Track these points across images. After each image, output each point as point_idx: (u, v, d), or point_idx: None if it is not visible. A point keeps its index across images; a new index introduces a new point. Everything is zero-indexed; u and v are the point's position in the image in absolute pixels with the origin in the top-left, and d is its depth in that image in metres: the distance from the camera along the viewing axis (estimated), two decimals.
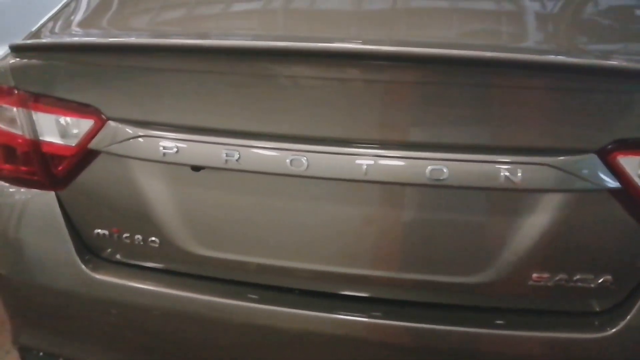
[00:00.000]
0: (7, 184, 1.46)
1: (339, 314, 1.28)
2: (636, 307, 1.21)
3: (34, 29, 1.46)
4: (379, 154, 1.16)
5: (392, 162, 1.16)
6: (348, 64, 1.15)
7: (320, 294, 1.33)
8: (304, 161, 1.18)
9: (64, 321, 1.49)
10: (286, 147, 1.19)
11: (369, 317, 1.27)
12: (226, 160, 1.22)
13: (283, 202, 1.27)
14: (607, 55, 1.27)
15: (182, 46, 1.24)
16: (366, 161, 1.16)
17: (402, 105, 1.16)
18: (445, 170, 1.14)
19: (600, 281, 1.21)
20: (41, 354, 1.56)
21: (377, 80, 1.15)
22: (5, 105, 1.38)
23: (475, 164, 1.14)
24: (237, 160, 1.21)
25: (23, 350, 1.61)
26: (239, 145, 1.21)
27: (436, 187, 1.17)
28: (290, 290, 1.34)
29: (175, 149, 1.24)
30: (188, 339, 1.39)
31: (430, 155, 1.15)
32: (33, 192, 1.42)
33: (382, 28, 1.35)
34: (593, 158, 1.13)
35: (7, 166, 1.43)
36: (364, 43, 1.17)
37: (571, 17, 1.42)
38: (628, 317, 1.21)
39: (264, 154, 1.21)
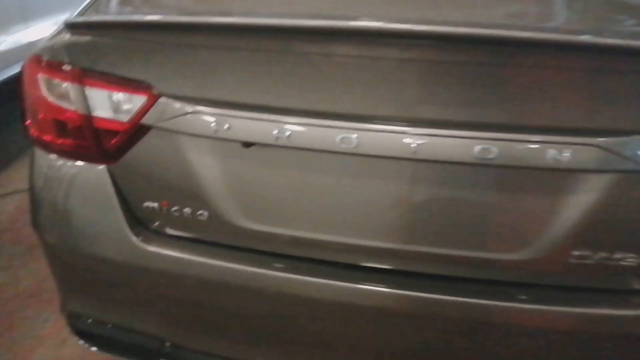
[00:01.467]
0: (59, 157, 1.50)
1: (388, 288, 1.32)
2: None
3: (84, 5, 1.49)
4: (428, 133, 1.19)
5: (441, 141, 1.19)
6: (397, 44, 1.18)
7: (366, 268, 1.37)
8: (354, 139, 1.21)
9: (113, 290, 1.55)
10: (337, 125, 1.22)
11: (419, 291, 1.31)
12: (277, 137, 1.25)
13: (331, 178, 1.31)
14: None
15: (234, 25, 1.27)
16: (415, 140, 1.19)
17: (451, 84, 1.19)
18: (493, 150, 1.17)
19: None
20: (90, 320, 1.62)
21: (426, 60, 1.17)
22: (59, 81, 1.41)
23: (523, 143, 1.17)
24: (287, 137, 1.25)
25: (71, 317, 1.67)
26: (291, 123, 1.25)
27: (484, 166, 1.20)
28: (334, 264, 1.38)
29: (227, 126, 1.28)
30: (232, 308, 1.44)
31: (479, 135, 1.17)
32: (85, 166, 1.47)
33: (429, 8, 1.37)
34: (638, 139, 1.15)
35: (60, 140, 1.47)
36: (413, 23, 1.19)
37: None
38: None
39: (314, 131, 1.24)
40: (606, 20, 1.36)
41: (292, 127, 1.25)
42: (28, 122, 1.53)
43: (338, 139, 1.22)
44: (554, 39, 1.15)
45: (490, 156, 1.17)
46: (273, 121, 1.26)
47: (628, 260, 1.24)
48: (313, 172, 1.31)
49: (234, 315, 1.47)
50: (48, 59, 1.43)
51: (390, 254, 1.34)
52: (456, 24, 1.18)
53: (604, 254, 1.24)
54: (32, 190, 1.58)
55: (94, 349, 1.71)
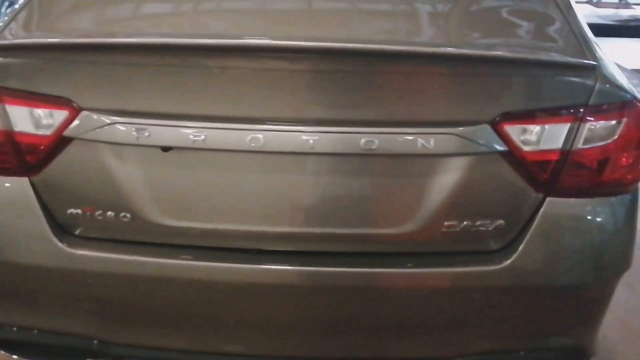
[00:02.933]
0: None
1: (296, 266, 1.55)
2: (522, 244, 1.55)
3: (1, 25, 1.60)
4: (323, 131, 1.43)
5: (333, 136, 1.44)
6: (287, 58, 1.42)
7: (275, 252, 1.58)
8: (260, 138, 1.43)
9: (38, 295, 1.64)
10: (245, 127, 1.44)
11: (318, 266, 1.55)
12: (193, 141, 1.44)
13: (241, 175, 1.51)
14: (492, 47, 1.62)
15: (144, 44, 1.46)
16: (312, 136, 1.43)
17: (337, 90, 1.45)
18: (375, 141, 1.43)
19: (495, 225, 1.55)
20: (14, 328, 1.70)
21: (314, 70, 1.44)
22: None
23: (399, 135, 1.44)
24: (203, 140, 1.44)
25: None
26: (205, 127, 1.44)
27: (368, 155, 1.46)
28: (247, 250, 1.58)
29: (146, 133, 1.45)
30: (155, 299, 1.59)
31: (363, 130, 1.43)
32: (7, 179, 1.56)
33: (310, 26, 1.64)
34: (486, 127, 1.46)
35: None
36: (299, 40, 1.43)
37: (463, 16, 1.77)
38: (517, 252, 1.55)
39: (226, 134, 1.44)
40: (462, 32, 1.69)
41: (207, 131, 1.44)
42: None
43: (247, 139, 1.43)
44: (419, 51, 1.45)
45: (373, 147, 1.43)
46: (189, 127, 1.44)
47: (485, 225, 1.55)
48: (225, 170, 1.51)
49: (158, 306, 1.62)
50: None
51: (294, 237, 1.56)
52: (335, 40, 1.44)
53: (467, 222, 1.54)
54: None
55: (15, 357, 1.77)
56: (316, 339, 1.66)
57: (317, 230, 1.55)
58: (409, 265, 1.57)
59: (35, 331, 1.69)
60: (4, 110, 1.50)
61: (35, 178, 1.55)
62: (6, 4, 5.46)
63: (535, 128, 1.49)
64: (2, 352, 1.77)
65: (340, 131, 1.44)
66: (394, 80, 1.46)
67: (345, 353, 1.68)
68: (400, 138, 1.44)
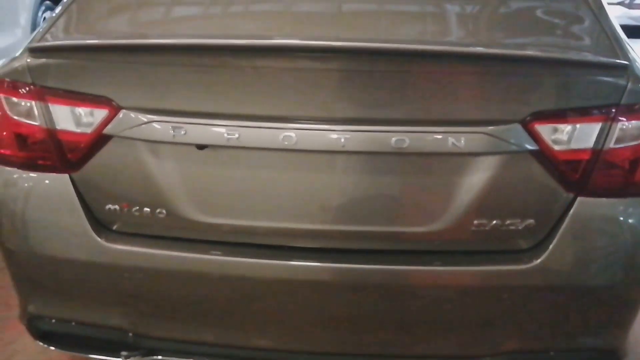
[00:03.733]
0: (21, 170, 1.64)
1: (324, 264, 1.57)
2: (553, 243, 1.56)
3: (41, 30, 1.66)
4: (354, 129, 1.46)
5: (364, 135, 1.46)
6: (320, 57, 1.45)
7: (304, 249, 1.61)
8: (293, 137, 1.46)
9: (77, 288, 1.70)
10: (278, 126, 1.47)
11: (351, 264, 1.57)
12: (228, 139, 1.48)
13: (274, 173, 1.55)
14: (523, 46, 1.63)
15: (182, 45, 1.51)
16: (344, 135, 1.46)
17: (368, 89, 1.47)
18: (406, 140, 1.45)
19: (525, 224, 1.55)
20: (53, 320, 1.76)
21: (346, 70, 1.46)
22: (23, 100, 1.57)
23: (429, 134, 1.46)
24: (237, 138, 1.48)
25: (33, 320, 1.79)
26: (239, 126, 1.48)
27: (399, 154, 1.48)
28: (280, 247, 1.61)
29: (183, 132, 1.49)
30: (190, 294, 1.64)
31: (394, 129, 1.46)
32: (48, 176, 1.62)
33: (341, 26, 1.66)
34: (517, 127, 1.47)
35: (23, 153, 1.62)
36: (331, 40, 1.46)
37: (495, 15, 1.78)
38: (547, 252, 1.56)
39: (260, 132, 1.48)
40: (494, 32, 1.70)
41: (240, 130, 1.48)
42: None
43: (280, 137, 1.46)
44: (450, 50, 1.47)
45: (404, 146, 1.45)
46: (223, 126, 1.48)
47: (516, 225, 1.55)
48: (258, 168, 1.54)
49: (191, 301, 1.66)
50: (11, 80, 1.58)
51: (324, 235, 1.59)
52: (366, 40, 1.47)
53: (497, 222, 1.55)
54: None
55: (53, 348, 1.83)
56: (344, 336, 1.68)
57: (348, 227, 1.57)
58: (438, 263, 1.58)
59: (73, 323, 1.75)
60: (47, 109, 1.56)
61: (75, 175, 1.60)
62: (42, 8, 5.62)
63: (566, 127, 1.49)
64: (41, 343, 1.84)
65: (371, 130, 1.46)
66: (425, 80, 1.48)
67: (373, 350, 1.70)
68: (430, 137, 1.46)
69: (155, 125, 1.50)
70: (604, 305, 1.66)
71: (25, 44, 1.65)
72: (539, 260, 1.55)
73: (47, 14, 5.41)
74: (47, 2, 5.68)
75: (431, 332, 1.67)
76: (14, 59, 1.63)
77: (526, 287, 1.59)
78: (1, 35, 4.73)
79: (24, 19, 5.15)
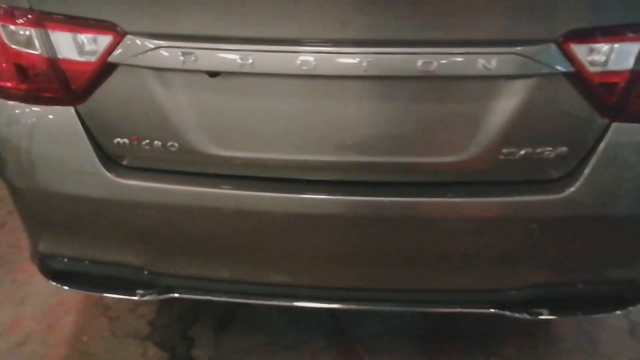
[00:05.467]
0: (23, 103, 1.56)
1: (352, 196, 1.50)
2: (585, 172, 1.48)
3: None
4: (377, 51, 1.36)
5: (388, 58, 1.36)
6: None
7: (326, 182, 1.54)
8: (312, 61, 1.36)
9: (89, 225, 1.64)
10: (295, 50, 1.37)
11: (371, 196, 1.50)
12: (241, 65, 1.38)
13: (291, 102, 1.45)
14: None
15: None
16: (366, 58, 1.35)
17: (395, 7, 1.35)
18: (434, 62, 1.35)
19: (557, 152, 1.47)
20: (65, 259, 1.71)
21: None
22: (21, 27, 1.47)
23: (458, 55, 1.36)
24: (251, 64, 1.38)
25: (45, 259, 1.75)
26: (253, 50, 1.38)
27: (425, 78, 1.38)
28: (297, 181, 1.54)
29: (193, 57, 1.39)
30: (204, 229, 1.58)
31: (420, 50, 1.35)
32: (52, 109, 1.54)
33: None
34: (551, 47, 1.36)
35: (24, 85, 1.53)
36: None
37: None
38: (579, 181, 1.48)
39: (275, 56, 1.38)
40: None
41: (255, 55, 1.38)
42: None
43: (297, 62, 1.37)
44: None
45: (431, 68, 1.35)
46: (236, 50, 1.38)
47: (547, 153, 1.47)
48: (273, 96, 1.45)
49: (205, 237, 1.61)
50: (8, 6, 1.48)
51: (346, 167, 1.51)
52: None
53: (527, 149, 1.46)
54: None
55: (66, 288, 1.79)
56: (366, 271, 1.63)
57: (369, 159, 1.50)
58: (465, 195, 1.51)
59: (86, 262, 1.70)
60: (47, 36, 1.46)
61: (80, 107, 1.52)
62: None
63: (603, 47, 1.39)
64: (53, 283, 1.80)
65: (396, 52, 1.36)
66: None
67: (395, 284, 1.66)
68: (459, 58, 1.36)
69: (164, 51, 1.40)
70: (636, 236, 1.60)
71: None
72: (570, 190, 1.48)
73: None
74: None
75: (457, 266, 1.61)
76: None
77: (556, 218, 1.53)
78: None
79: None
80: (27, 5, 1.45)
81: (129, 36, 1.42)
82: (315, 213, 1.52)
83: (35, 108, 1.55)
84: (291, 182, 1.54)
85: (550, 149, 1.47)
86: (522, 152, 1.47)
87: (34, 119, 1.56)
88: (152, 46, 1.41)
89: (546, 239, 1.56)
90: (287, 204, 1.52)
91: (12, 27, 1.48)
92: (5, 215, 2.98)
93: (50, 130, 1.56)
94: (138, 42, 1.41)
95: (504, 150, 1.46)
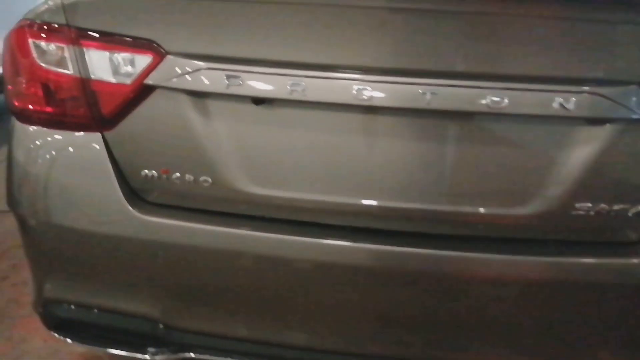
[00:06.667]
0: (46, 127, 1.43)
1: (400, 248, 1.32)
2: None
3: None
4: (442, 83, 1.22)
5: (455, 91, 1.23)
6: None
7: (376, 231, 1.36)
8: (369, 90, 1.23)
9: (103, 267, 1.46)
10: (352, 77, 1.24)
11: (426, 248, 1.32)
12: (291, 91, 1.25)
13: (345, 136, 1.31)
14: None
15: None
16: (430, 90, 1.22)
17: (466, 36, 1.24)
18: (505, 99, 1.21)
19: (637, 211, 1.30)
20: (72, 307, 1.52)
21: (440, 12, 1.22)
22: (55, 44, 1.36)
23: (532, 92, 1.22)
24: (302, 90, 1.25)
25: (50, 307, 1.55)
26: (305, 76, 1.25)
27: (493, 115, 1.24)
28: (350, 228, 1.37)
29: (239, 81, 1.27)
30: (236, 279, 1.39)
31: (490, 85, 1.22)
32: (77, 135, 1.40)
33: None
34: (636, 89, 1.23)
35: (50, 108, 1.41)
36: None
37: None
38: None
39: (329, 84, 1.25)
40: None
41: (306, 81, 1.25)
42: (9, 93, 1.46)
43: (353, 91, 1.23)
44: None
45: (502, 105, 1.22)
46: (287, 75, 1.26)
47: (626, 210, 1.30)
48: (325, 129, 1.31)
49: (236, 287, 1.41)
50: (41, 22, 1.38)
51: (400, 214, 1.34)
52: None
53: (604, 206, 1.30)
54: (10, 165, 1.49)
55: (70, 341, 1.59)
56: (421, 334, 1.42)
57: (428, 207, 1.33)
58: (528, 253, 1.33)
59: (95, 310, 1.50)
60: (82, 55, 1.35)
61: (108, 134, 1.38)
62: None
63: None
64: (56, 335, 1.59)
65: (463, 85, 1.23)
66: (530, 27, 1.24)
67: (448, 355, 1.44)
68: (533, 96, 1.22)
69: (207, 73, 1.28)
70: None
71: None
72: None
73: None
74: None
75: (516, 335, 1.40)
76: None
77: (633, 286, 1.33)
78: None
79: None
80: (63, 21, 1.35)
81: (170, 56, 1.30)
82: (363, 265, 1.34)
83: (58, 133, 1.42)
84: (337, 230, 1.36)
85: (629, 206, 1.30)
86: (597, 208, 1.30)
87: (55, 146, 1.43)
88: (195, 68, 1.29)
89: (620, 309, 1.36)
90: (332, 254, 1.34)
91: (44, 43, 1.38)
92: (9, 268, 2.80)
93: (72, 158, 1.42)
94: (179, 63, 1.30)
95: (576, 205, 1.30)
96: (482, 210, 1.33)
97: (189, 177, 1.37)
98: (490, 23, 1.24)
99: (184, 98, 1.32)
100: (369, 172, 1.32)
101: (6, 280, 2.70)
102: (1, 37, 1.58)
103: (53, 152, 1.43)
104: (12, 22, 1.45)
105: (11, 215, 3.13)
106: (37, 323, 2.34)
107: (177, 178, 1.37)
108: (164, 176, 1.38)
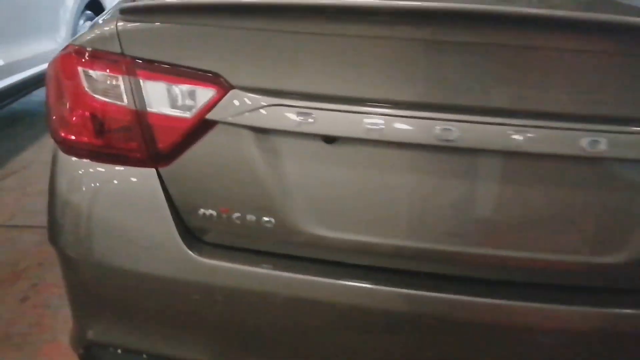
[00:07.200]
0: (95, 161, 1.34)
1: (486, 299, 1.22)
2: None
3: None
4: (539, 125, 1.13)
5: (551, 133, 1.13)
6: (513, 29, 1.12)
7: (461, 279, 1.26)
8: (454, 131, 1.14)
9: (154, 311, 1.37)
10: (436, 117, 1.15)
11: (517, 300, 1.23)
12: (368, 130, 1.16)
13: (424, 178, 1.22)
14: None
15: (320, 6, 1.17)
16: (524, 132, 1.13)
17: (552, 74, 1.15)
18: (602, 141, 1.12)
19: None
20: (118, 351, 1.42)
21: (539, 48, 1.13)
22: (109, 73, 1.27)
23: (633, 134, 1.13)
24: (379, 129, 1.16)
25: (92, 349, 1.46)
26: (383, 114, 1.16)
27: (589, 159, 1.15)
28: (432, 275, 1.27)
29: (311, 119, 1.18)
30: (304, 329, 1.30)
31: (588, 127, 1.13)
32: (130, 170, 1.31)
33: None
34: None
35: (101, 142, 1.31)
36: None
37: None
38: None
39: (410, 122, 1.16)
40: None
41: (385, 119, 1.16)
42: (54, 122, 1.36)
43: (437, 130, 1.14)
44: None
45: (600, 148, 1.13)
46: (365, 113, 1.16)
47: None
48: (403, 170, 1.22)
49: (305, 338, 1.32)
50: (94, 49, 1.28)
51: (486, 262, 1.24)
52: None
53: None
54: (54, 200, 1.40)
55: None
56: None
57: (519, 254, 1.23)
58: (623, 304, 1.23)
59: (144, 355, 1.41)
60: (138, 86, 1.26)
61: (164, 169, 1.29)
62: (84, 18, 5.44)
63: None
64: None
65: (558, 127, 1.13)
66: (630, 65, 1.15)
67: None
68: (633, 138, 1.13)
69: (276, 109, 1.19)
70: None
71: None
72: None
73: (88, 24, 5.28)
74: (88, 12, 5.52)
75: None
76: (99, 24, 1.33)
77: None
78: (44, 40, 4.56)
79: (65, 26, 5.02)
80: (118, 50, 1.26)
81: (235, 90, 1.21)
82: (457, 319, 1.24)
83: (108, 167, 1.33)
84: (419, 277, 1.27)
85: None
86: None
87: (104, 180, 1.34)
88: (262, 103, 1.19)
89: None
90: (413, 304, 1.24)
91: (97, 73, 1.28)
92: (29, 288, 2.70)
93: (123, 194, 1.33)
94: (246, 97, 1.20)
95: None
96: (571, 258, 1.24)
97: (250, 217, 1.27)
98: (593, 60, 1.14)
99: (248, 134, 1.23)
100: (454, 215, 1.22)
101: (27, 302, 2.60)
102: None
103: (102, 187, 1.34)
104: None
105: (30, 230, 3.05)
106: (63, 349, 2.27)
107: (238, 218, 1.28)
108: (224, 216, 1.29)
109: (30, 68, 4.39)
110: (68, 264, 1.41)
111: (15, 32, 4.30)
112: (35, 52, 4.46)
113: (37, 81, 4.47)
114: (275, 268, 1.28)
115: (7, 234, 3.09)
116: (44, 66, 4.57)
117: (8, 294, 2.62)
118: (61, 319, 2.45)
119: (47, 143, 4.53)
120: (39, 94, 5.35)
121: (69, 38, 4.88)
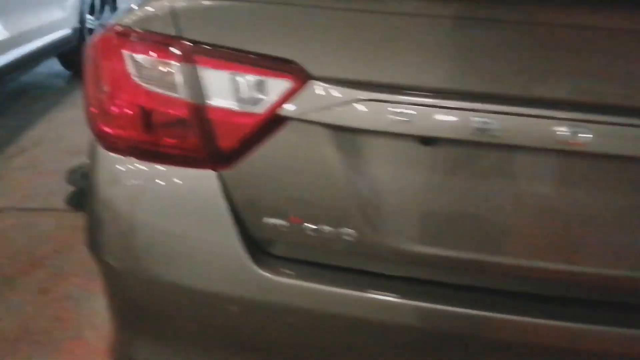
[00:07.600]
0: (145, 161, 1.15)
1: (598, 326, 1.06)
2: None
3: None
4: None
5: None
6: None
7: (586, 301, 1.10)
8: (588, 132, 0.95)
9: (210, 330, 1.20)
10: (559, 115, 0.96)
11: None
12: (475, 129, 0.98)
13: (542, 187, 1.03)
14: None
15: None
16: None
17: None
18: None
19: None
20: None
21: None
22: (161, 59, 1.08)
23: None
24: (490, 129, 0.97)
25: None
26: (494, 111, 0.97)
27: None
28: (546, 298, 1.11)
29: (407, 117, 0.99)
30: (394, 351, 1.13)
31: None
32: (184, 171, 1.13)
33: None
34: None
35: (150, 137, 1.13)
36: None
37: None
38: None
39: (528, 122, 0.97)
40: None
41: (497, 117, 0.97)
42: (94, 114, 1.18)
43: (567, 132, 0.96)
44: None
45: None
46: (473, 110, 0.98)
47: None
48: (517, 177, 1.04)
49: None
50: (143, 30, 1.09)
51: (602, 283, 1.08)
52: None
53: None
54: (93, 202, 1.22)
55: None
56: None
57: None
58: None
59: None
60: (195, 75, 1.07)
61: (226, 172, 1.11)
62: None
63: None
64: None
65: None
66: None
67: None
68: None
69: (365, 105, 1.00)
70: None
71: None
72: None
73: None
74: None
75: None
76: (147, 1, 1.13)
77: None
78: (52, 8, 4.34)
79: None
80: (173, 32, 1.07)
81: (315, 82, 1.02)
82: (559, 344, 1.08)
83: (158, 168, 1.15)
84: (541, 301, 1.10)
85: None
86: None
87: (153, 183, 1.16)
88: (348, 98, 1.01)
89: None
90: (518, 330, 1.08)
91: (146, 58, 1.09)
92: (48, 278, 2.53)
93: (176, 198, 1.15)
94: (327, 91, 1.02)
95: None
96: None
97: (326, 228, 1.10)
98: None
99: (326, 133, 1.04)
100: (574, 231, 1.05)
101: (47, 295, 2.44)
102: None
103: (149, 190, 1.16)
104: None
105: (46, 214, 2.87)
106: (87, 347, 2.13)
107: (311, 229, 1.10)
108: (295, 226, 1.11)
109: (37, 38, 4.16)
110: (111, 276, 1.24)
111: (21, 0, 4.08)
112: (43, 21, 4.23)
113: (45, 52, 4.25)
114: (357, 289, 1.10)
115: (21, 218, 2.91)
116: (52, 36, 4.38)
117: (26, 285, 2.46)
118: (84, 313, 2.30)
119: (57, 118, 4.34)
120: (46, 65, 5.14)
121: (77, 6, 4.65)
